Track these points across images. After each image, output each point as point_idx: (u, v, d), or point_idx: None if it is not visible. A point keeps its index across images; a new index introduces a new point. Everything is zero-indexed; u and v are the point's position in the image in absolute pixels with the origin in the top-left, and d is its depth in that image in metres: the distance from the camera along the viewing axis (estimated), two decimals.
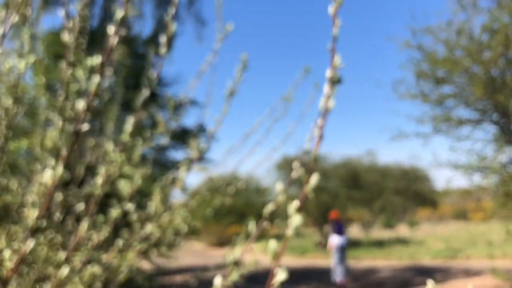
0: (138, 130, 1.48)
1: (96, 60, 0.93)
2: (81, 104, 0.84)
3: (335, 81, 0.78)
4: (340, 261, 9.52)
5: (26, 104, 2.29)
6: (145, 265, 9.22)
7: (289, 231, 0.71)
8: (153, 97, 9.64)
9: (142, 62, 8.09)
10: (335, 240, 9.66)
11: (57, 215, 1.99)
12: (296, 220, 0.70)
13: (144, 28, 9.61)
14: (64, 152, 0.80)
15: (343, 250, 9.64)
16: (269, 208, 0.90)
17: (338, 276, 9.54)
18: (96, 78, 0.84)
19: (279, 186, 0.92)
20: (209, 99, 2.03)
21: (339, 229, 9.77)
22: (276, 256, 0.72)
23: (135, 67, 7.93)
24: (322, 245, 17.65)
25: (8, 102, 1.66)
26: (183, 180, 1.16)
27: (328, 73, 0.77)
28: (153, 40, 9.10)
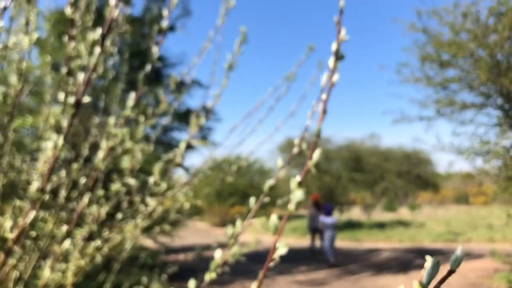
0: (142, 109, 1.48)
1: (97, 33, 0.92)
2: (81, 76, 0.83)
3: (340, 56, 0.77)
4: (330, 240, 10.08)
5: (32, 82, 2.28)
6: (150, 244, 9.35)
7: (291, 206, 0.71)
8: (158, 78, 9.65)
9: (147, 42, 8.11)
10: (327, 220, 10.18)
11: (62, 193, 2.01)
12: (297, 195, 0.70)
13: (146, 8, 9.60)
14: (65, 123, 0.80)
15: (333, 230, 10.20)
16: (269, 183, 0.90)
17: (331, 255, 10.04)
18: (97, 50, 0.84)
19: (279, 162, 0.92)
20: (213, 79, 2.00)
21: (328, 211, 10.39)
22: (278, 230, 0.72)
23: (140, 47, 7.90)
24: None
25: (13, 79, 1.65)
26: (182, 154, 1.16)
27: (334, 46, 0.76)
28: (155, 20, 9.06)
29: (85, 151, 2.18)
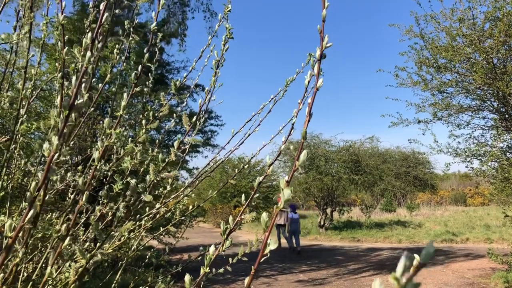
0: (146, 112, 1.54)
1: (88, 38, 0.97)
2: (74, 79, 0.89)
3: (322, 58, 0.83)
4: (292, 232, 12.87)
5: (39, 87, 2.33)
6: (155, 244, 9.43)
7: (281, 204, 0.76)
8: (163, 83, 9.74)
9: (153, 48, 8.20)
10: (293, 216, 13.09)
11: (70, 196, 2.07)
12: (286, 193, 0.75)
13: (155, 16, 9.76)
14: (60, 125, 0.84)
15: (296, 224, 13.01)
16: (259, 179, 0.96)
17: (291, 243, 12.79)
18: (88, 54, 0.89)
19: (268, 159, 0.98)
20: (214, 84, 2.06)
21: (293, 209, 13.37)
22: (268, 226, 0.78)
23: (145, 53, 8.01)
24: (325, 227, 17.99)
25: (20, 85, 1.71)
26: (175, 152, 1.22)
27: (317, 52, 0.82)
28: (162, 26, 9.14)
29: (91, 154, 2.25)
